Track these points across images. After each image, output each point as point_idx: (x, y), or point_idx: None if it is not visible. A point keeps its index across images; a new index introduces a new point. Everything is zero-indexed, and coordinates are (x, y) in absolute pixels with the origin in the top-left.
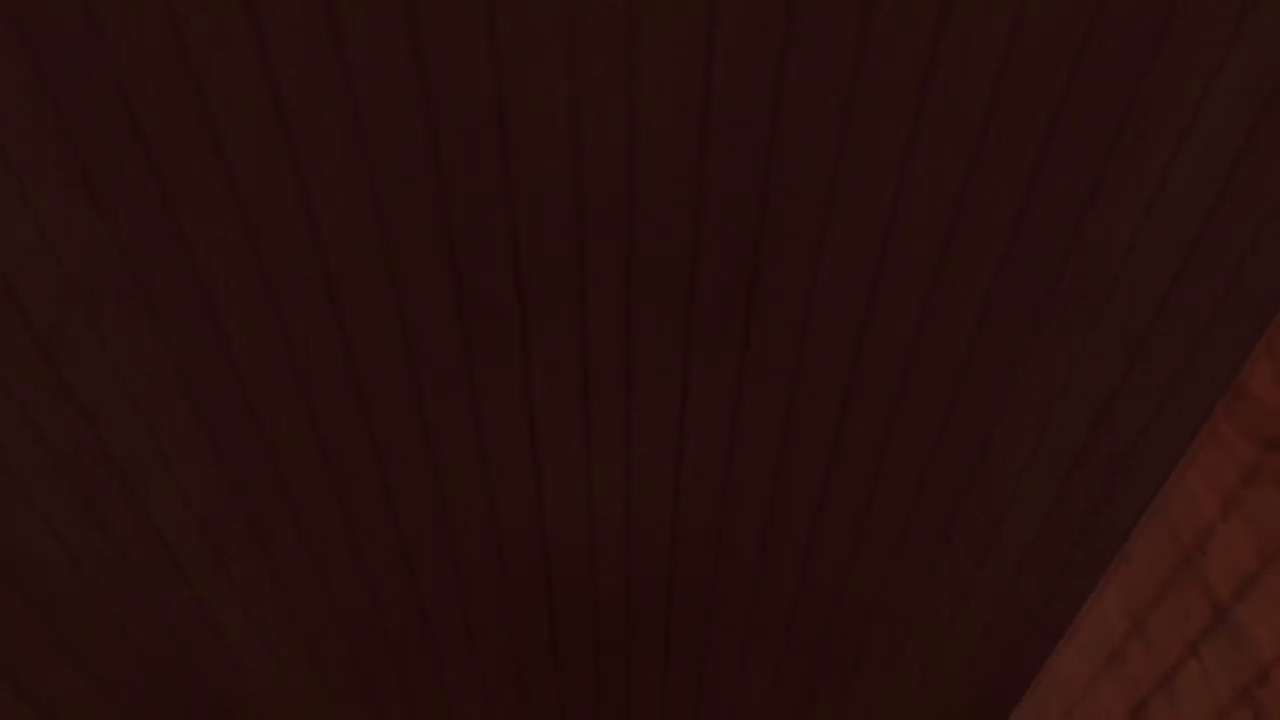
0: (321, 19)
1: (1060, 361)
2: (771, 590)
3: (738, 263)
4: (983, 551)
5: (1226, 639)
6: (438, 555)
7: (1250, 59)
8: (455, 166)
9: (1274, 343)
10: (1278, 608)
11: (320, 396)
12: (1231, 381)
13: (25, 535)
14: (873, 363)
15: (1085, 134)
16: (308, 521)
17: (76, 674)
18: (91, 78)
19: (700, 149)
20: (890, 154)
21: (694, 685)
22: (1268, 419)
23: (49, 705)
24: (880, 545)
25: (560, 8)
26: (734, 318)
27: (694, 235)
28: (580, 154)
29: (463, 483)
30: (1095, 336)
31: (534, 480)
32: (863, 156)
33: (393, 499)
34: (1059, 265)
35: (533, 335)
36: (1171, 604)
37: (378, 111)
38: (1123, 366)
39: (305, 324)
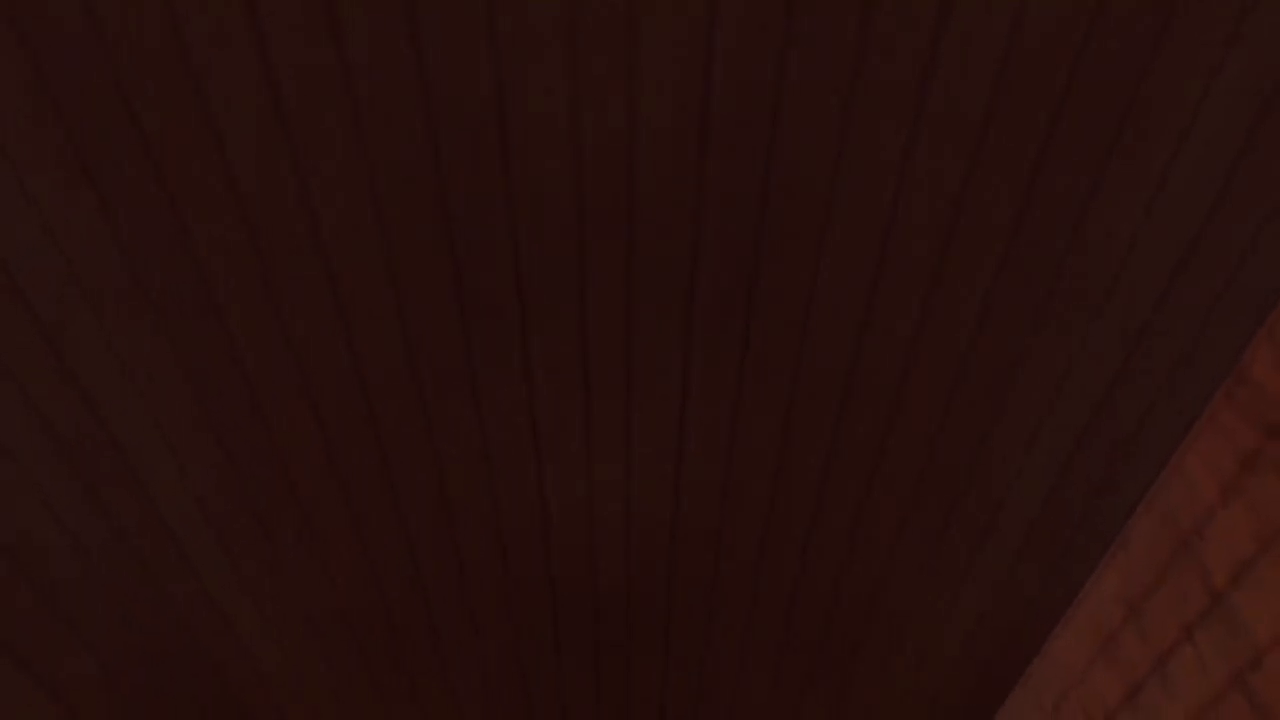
0: (321, 19)
1: (1059, 361)
2: (771, 587)
3: (738, 263)
4: (981, 543)
5: (1222, 624)
6: (441, 552)
7: (1250, 59)
8: (455, 166)
9: (1276, 329)
10: (1273, 594)
11: (324, 395)
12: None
13: (30, 523)
14: (872, 363)
15: (1085, 134)
16: (316, 520)
17: (86, 660)
18: (91, 78)
19: (700, 149)
20: (890, 154)
21: (694, 681)
22: (1269, 405)
23: (58, 690)
24: (879, 543)
25: (560, 8)
26: (734, 318)
27: (694, 235)
28: (580, 154)
29: (465, 481)
30: (1094, 336)
31: (535, 478)
32: (863, 156)
33: (397, 498)
34: (1058, 265)
35: (533, 335)
36: (1168, 589)
37: (378, 111)
38: (1120, 365)
39: (307, 323)
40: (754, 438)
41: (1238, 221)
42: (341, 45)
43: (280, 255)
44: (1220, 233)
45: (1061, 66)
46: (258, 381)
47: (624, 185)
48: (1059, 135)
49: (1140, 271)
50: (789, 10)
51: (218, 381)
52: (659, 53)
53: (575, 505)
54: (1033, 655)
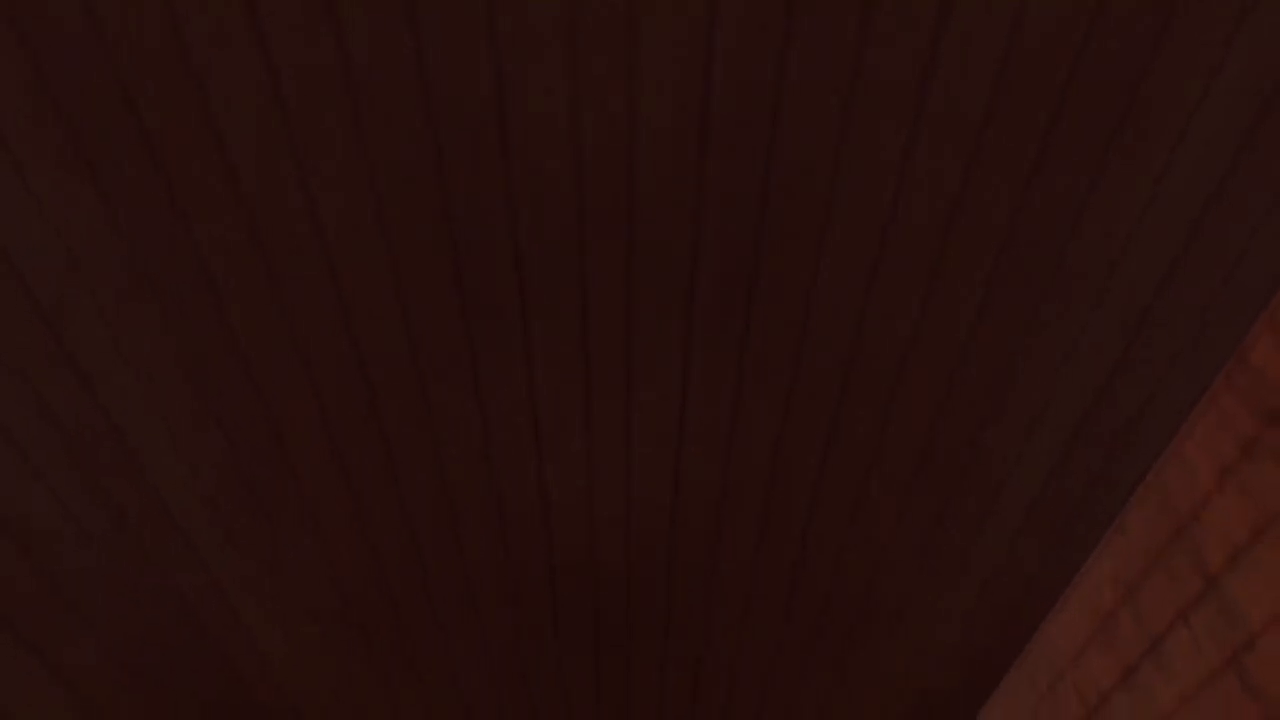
0: (321, 19)
1: (1057, 361)
2: (769, 574)
3: (738, 262)
4: (978, 531)
5: (1216, 608)
6: (443, 542)
7: (1250, 59)
8: (455, 165)
9: (1277, 315)
10: (1268, 578)
11: (327, 390)
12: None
13: (33, 507)
14: (871, 358)
15: (1085, 133)
16: (319, 512)
17: (93, 646)
18: (92, 77)
19: (700, 149)
20: (890, 154)
21: (693, 668)
22: (1269, 391)
23: (68, 676)
24: (877, 533)
25: (560, 8)
26: (734, 315)
27: (694, 234)
28: (580, 154)
29: (466, 473)
30: (1090, 338)
31: (536, 471)
32: (863, 156)
33: (400, 489)
34: (1057, 264)
35: (534, 331)
36: (1164, 573)
37: (378, 111)
38: (1119, 356)
39: (309, 322)
40: (753, 430)
41: (1236, 220)
42: (342, 45)
43: (282, 253)
44: (1219, 231)
45: (1061, 66)
46: (261, 378)
47: (624, 185)
48: (1058, 135)
49: (1138, 267)
50: (789, 10)
51: (224, 379)
52: (659, 53)
53: (575, 496)
54: (1030, 637)
